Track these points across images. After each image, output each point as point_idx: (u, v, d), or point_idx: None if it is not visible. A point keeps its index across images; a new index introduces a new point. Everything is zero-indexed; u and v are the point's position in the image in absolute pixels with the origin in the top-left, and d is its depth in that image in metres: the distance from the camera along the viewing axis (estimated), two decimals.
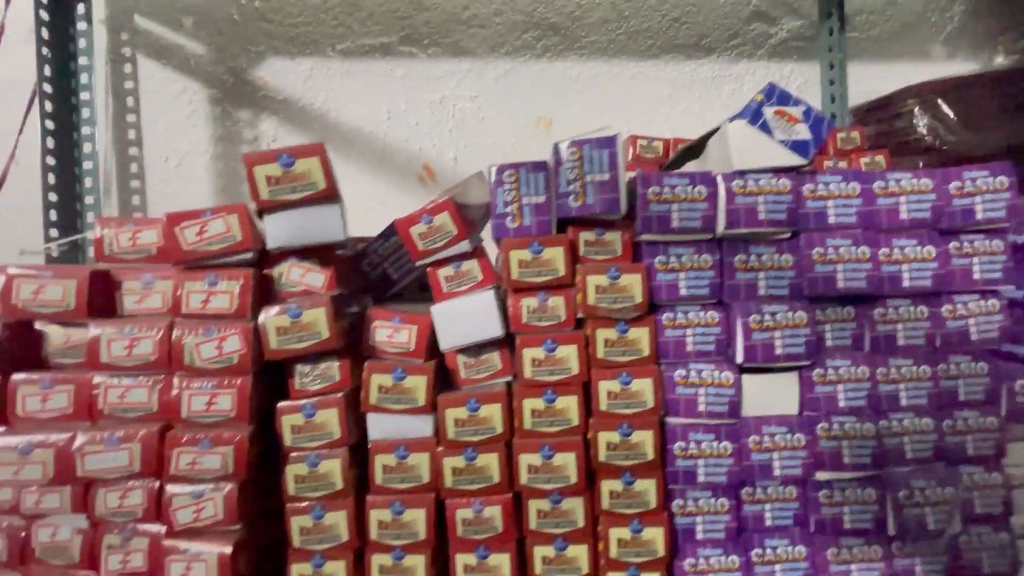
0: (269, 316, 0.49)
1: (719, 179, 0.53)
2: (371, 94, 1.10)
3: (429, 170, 1.13)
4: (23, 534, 0.51)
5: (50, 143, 0.98)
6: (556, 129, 1.15)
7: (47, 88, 0.96)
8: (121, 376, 0.48)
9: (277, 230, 0.48)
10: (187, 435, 0.47)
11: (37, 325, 0.52)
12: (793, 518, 0.56)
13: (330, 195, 0.49)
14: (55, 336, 0.51)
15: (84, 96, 1.01)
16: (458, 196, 0.65)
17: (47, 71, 0.96)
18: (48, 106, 0.97)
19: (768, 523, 0.56)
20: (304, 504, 0.51)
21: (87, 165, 1.01)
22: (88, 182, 1.01)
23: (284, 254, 0.52)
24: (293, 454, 0.51)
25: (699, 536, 0.55)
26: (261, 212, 0.49)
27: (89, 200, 1.01)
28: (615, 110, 1.15)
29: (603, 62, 1.16)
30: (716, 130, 0.59)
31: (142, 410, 0.49)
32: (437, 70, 1.11)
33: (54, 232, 0.97)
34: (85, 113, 1.01)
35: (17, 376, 0.48)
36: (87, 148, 1.00)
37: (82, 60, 1.01)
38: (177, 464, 0.47)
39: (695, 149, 0.65)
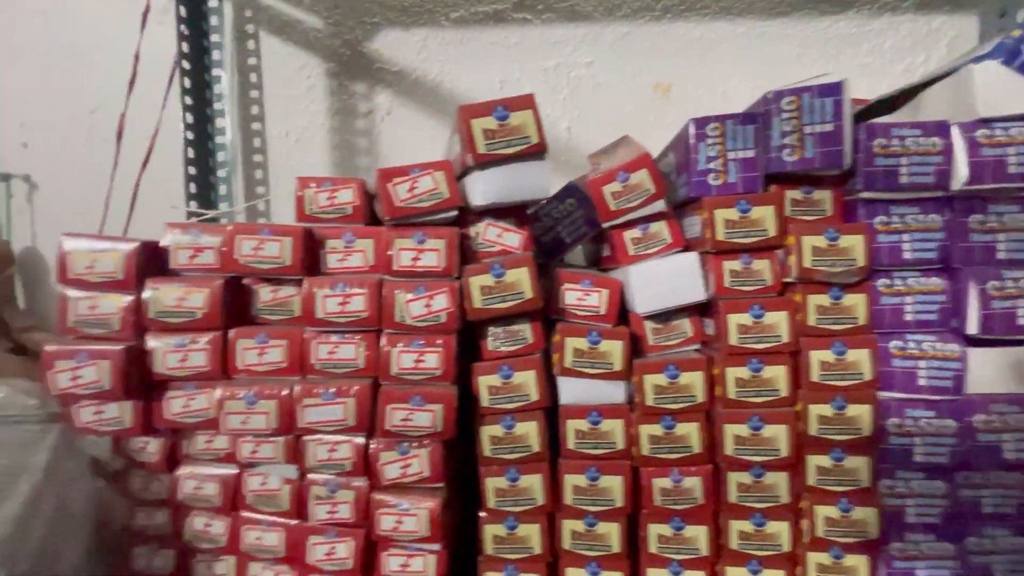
0: (473, 275, 0.49)
1: (955, 129, 0.48)
2: (484, 63, 1.08)
3: None
4: (235, 482, 0.54)
5: (189, 118, 1.02)
6: (675, 95, 1.10)
7: (185, 65, 1.00)
8: (331, 332, 0.49)
9: (490, 186, 0.47)
10: (401, 391, 0.48)
11: (244, 281, 0.53)
12: (1017, 507, 0.51)
13: (541, 150, 0.47)
14: (263, 292, 0.52)
15: (216, 72, 1.04)
16: (604, 161, 0.62)
17: (185, 48, 1.00)
18: (186, 82, 1.02)
19: (986, 510, 0.51)
20: (499, 466, 0.51)
21: (219, 140, 1.05)
22: (221, 156, 1.05)
23: (480, 213, 0.51)
24: (489, 415, 0.51)
25: (910, 519, 0.51)
26: (468, 168, 0.48)
27: (221, 173, 1.05)
28: (739, 73, 1.08)
29: (727, 22, 1.08)
30: (934, 80, 0.53)
31: (350, 366, 0.50)
32: (552, 36, 1.07)
33: (193, 204, 1.02)
34: (217, 89, 1.04)
35: (237, 331, 0.50)
36: (219, 123, 1.04)
37: (214, 37, 1.04)
38: (390, 420, 0.48)
39: (890, 103, 0.59)
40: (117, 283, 0.49)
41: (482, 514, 0.52)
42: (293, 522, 0.52)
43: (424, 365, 0.49)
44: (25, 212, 1.09)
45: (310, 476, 0.52)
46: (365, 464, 0.50)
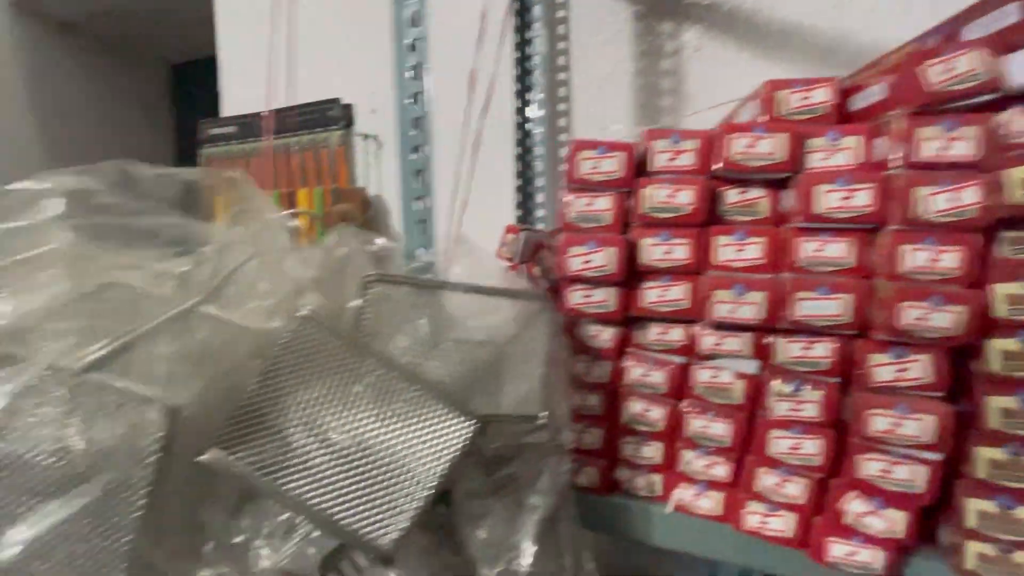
0: (1016, 166, 0.43)
1: None
2: None
3: None
4: (683, 372, 0.58)
5: (517, 70, 1.13)
6: None
7: (514, 21, 1.10)
8: (820, 230, 0.49)
9: None
10: (917, 288, 0.46)
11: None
12: None
13: None
14: (730, 194, 0.55)
15: (536, 28, 1.13)
16: None
17: (515, 6, 1.10)
18: (515, 38, 1.12)
19: None
20: (1010, 384, 0.46)
21: (537, 90, 1.13)
22: (537, 106, 1.13)
23: (1008, 100, 0.45)
24: (1003, 327, 0.46)
25: None
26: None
27: (533, 115, 1.13)
28: None
29: None
30: None
31: (838, 264, 0.49)
32: None
33: (517, 149, 1.14)
34: (538, 45, 1.13)
35: (716, 227, 0.54)
36: (537, 75, 1.12)
37: None
38: (904, 318, 0.46)
39: None
40: (615, 182, 0.56)
41: (974, 433, 0.48)
42: (751, 414, 0.55)
43: (940, 265, 0.45)
44: (374, 167, 1.34)
45: (771, 372, 0.53)
46: (843, 364, 0.50)
